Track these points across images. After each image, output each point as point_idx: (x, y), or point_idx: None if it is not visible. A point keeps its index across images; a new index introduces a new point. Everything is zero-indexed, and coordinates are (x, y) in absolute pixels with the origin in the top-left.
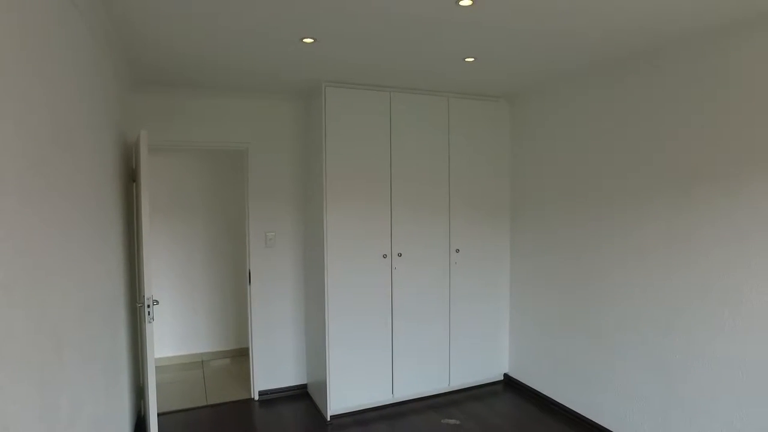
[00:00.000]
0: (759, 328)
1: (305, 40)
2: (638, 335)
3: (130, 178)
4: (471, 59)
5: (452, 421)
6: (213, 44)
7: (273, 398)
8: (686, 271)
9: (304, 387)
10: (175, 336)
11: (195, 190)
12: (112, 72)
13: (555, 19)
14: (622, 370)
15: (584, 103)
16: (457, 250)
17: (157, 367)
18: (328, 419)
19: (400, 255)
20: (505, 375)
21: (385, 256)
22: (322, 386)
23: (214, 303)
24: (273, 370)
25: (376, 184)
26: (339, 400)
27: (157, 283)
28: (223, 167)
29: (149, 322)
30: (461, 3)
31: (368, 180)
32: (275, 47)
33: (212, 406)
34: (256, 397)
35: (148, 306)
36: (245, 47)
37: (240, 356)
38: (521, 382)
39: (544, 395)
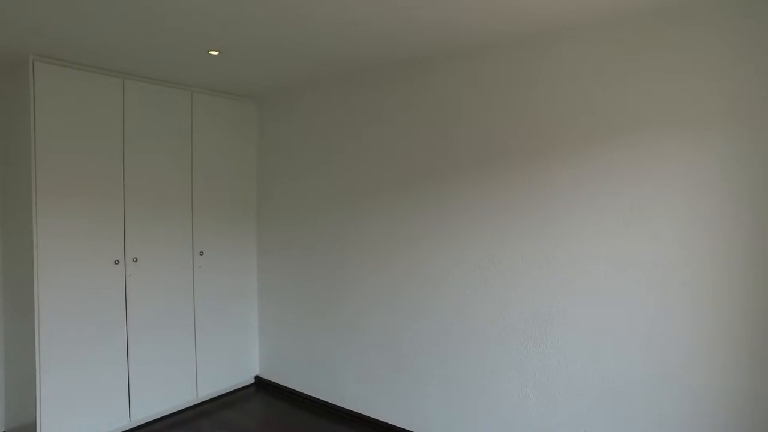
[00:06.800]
0: (451, 304)
1: None
2: (367, 319)
3: None
4: (215, 53)
5: None
6: None
7: None
8: (401, 260)
9: None
10: None
11: None
12: None
13: (296, 26)
14: (358, 354)
15: (325, 109)
16: (202, 253)
17: None
18: None
19: (135, 260)
20: (257, 377)
21: (117, 262)
22: (30, 428)
23: None
24: None
25: (106, 182)
26: None
27: None
28: None
29: None
30: None
31: (95, 176)
32: None
33: None
34: None
35: None
36: None
37: None
38: (273, 382)
39: (295, 391)
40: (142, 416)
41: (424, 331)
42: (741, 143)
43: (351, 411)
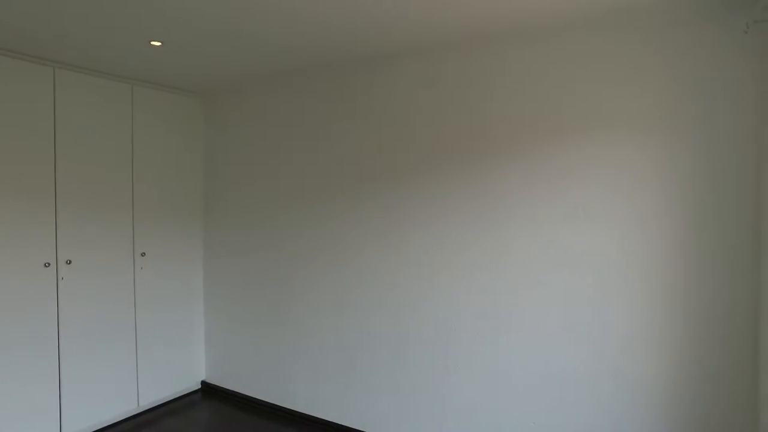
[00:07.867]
0: (403, 305)
1: None
2: (319, 322)
3: None
4: (158, 43)
5: None
6: None
7: None
8: (353, 263)
9: None
10: None
11: None
12: None
13: (245, 17)
14: (309, 356)
15: (275, 107)
16: (143, 254)
17: None
18: None
19: (69, 262)
20: (203, 382)
21: (47, 265)
22: None
23: None
24: None
25: (35, 179)
26: None
27: None
28: None
29: None
30: None
31: (20, 174)
32: None
33: None
34: None
35: None
36: None
37: None
38: (220, 387)
39: (244, 395)
40: (74, 430)
41: (376, 332)
42: (671, 147)
43: (302, 413)
